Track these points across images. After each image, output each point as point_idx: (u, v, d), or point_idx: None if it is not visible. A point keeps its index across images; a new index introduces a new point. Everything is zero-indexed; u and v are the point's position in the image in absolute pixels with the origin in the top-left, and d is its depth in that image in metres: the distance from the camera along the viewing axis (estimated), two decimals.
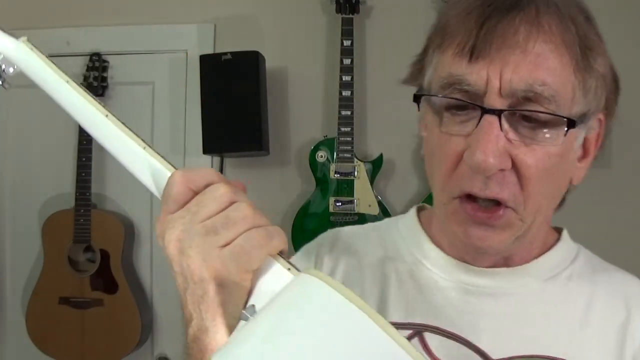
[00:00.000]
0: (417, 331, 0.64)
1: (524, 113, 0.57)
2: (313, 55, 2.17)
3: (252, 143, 2.03)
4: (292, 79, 2.19)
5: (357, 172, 2.00)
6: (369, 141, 2.14)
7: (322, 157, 2.03)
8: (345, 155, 2.00)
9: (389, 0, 2.14)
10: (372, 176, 2.03)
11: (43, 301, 2.11)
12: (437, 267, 0.68)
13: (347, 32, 2.01)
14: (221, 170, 2.18)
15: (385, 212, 2.00)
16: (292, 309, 0.38)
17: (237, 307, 0.48)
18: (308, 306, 0.37)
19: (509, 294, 0.66)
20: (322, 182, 2.03)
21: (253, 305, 0.45)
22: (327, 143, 2.05)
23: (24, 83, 2.42)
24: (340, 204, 1.99)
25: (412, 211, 0.76)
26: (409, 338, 0.63)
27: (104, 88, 2.19)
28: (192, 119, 2.15)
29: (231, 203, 0.49)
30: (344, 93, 1.99)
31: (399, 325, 0.64)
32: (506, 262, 0.67)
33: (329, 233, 0.78)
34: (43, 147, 2.28)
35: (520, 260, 0.68)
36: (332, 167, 2.01)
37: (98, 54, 2.18)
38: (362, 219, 1.99)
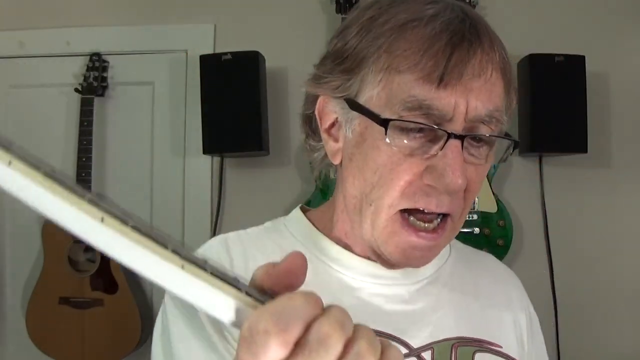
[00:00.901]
0: None
1: (481, 136, 0.62)
2: (313, 55, 2.15)
3: (252, 143, 2.03)
4: (292, 79, 2.19)
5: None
6: None
7: None
8: None
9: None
10: None
11: (43, 301, 2.10)
12: (346, 268, 0.70)
13: None
14: (221, 170, 2.19)
15: None
16: None
17: None
18: None
19: (418, 285, 0.71)
20: (322, 182, 2.03)
21: None
22: None
23: (24, 83, 2.43)
24: None
25: (299, 213, 0.77)
26: None
27: (104, 88, 2.19)
28: (192, 119, 2.15)
29: (347, 343, 0.37)
30: None
31: None
32: None
33: (215, 241, 0.73)
34: (43, 147, 2.28)
35: None
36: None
37: (98, 54, 2.18)
38: None
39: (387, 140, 0.61)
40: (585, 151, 1.97)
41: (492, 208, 1.98)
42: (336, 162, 0.70)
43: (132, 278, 2.18)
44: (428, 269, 0.73)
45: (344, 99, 0.65)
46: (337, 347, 0.36)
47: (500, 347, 0.71)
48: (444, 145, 0.60)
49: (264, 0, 2.22)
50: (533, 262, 2.08)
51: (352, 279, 0.70)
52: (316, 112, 0.70)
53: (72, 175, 2.15)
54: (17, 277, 2.27)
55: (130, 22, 2.25)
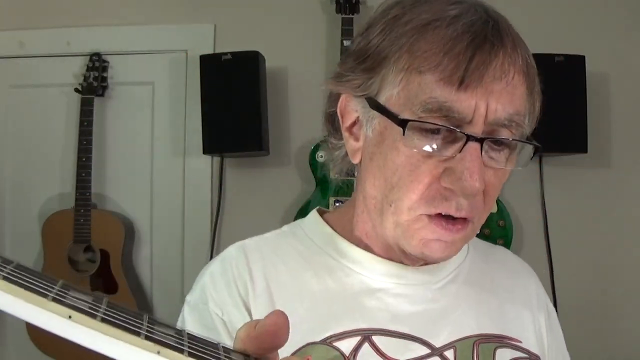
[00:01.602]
0: (365, 336, 0.66)
1: (501, 140, 0.61)
2: (313, 55, 2.17)
3: (252, 143, 2.03)
4: (292, 79, 2.19)
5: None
6: None
7: (322, 157, 2.03)
8: None
9: None
10: None
11: None
12: (367, 270, 0.70)
13: (347, 32, 2.01)
14: (221, 170, 2.19)
15: None
16: None
17: None
18: None
19: (439, 284, 0.72)
20: (322, 182, 2.03)
21: None
22: None
23: (24, 83, 2.43)
24: (340, 204, 2.00)
25: (316, 216, 0.76)
26: (360, 344, 0.65)
27: (104, 88, 2.19)
28: (192, 119, 2.15)
29: None
30: None
31: (346, 334, 0.66)
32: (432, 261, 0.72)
33: (233, 249, 0.73)
34: (43, 147, 2.28)
35: None
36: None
37: (98, 54, 2.18)
38: None
39: (405, 140, 0.60)
40: (585, 151, 1.97)
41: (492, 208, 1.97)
42: (356, 161, 0.70)
43: (132, 279, 2.18)
44: (448, 268, 0.73)
45: (365, 98, 0.65)
46: None
47: (520, 342, 0.72)
48: (462, 148, 0.59)
49: (264, 0, 2.22)
50: (533, 262, 2.05)
51: (374, 280, 0.70)
52: (338, 111, 0.69)
53: (72, 175, 2.16)
54: None
55: (130, 22, 2.26)
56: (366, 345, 0.65)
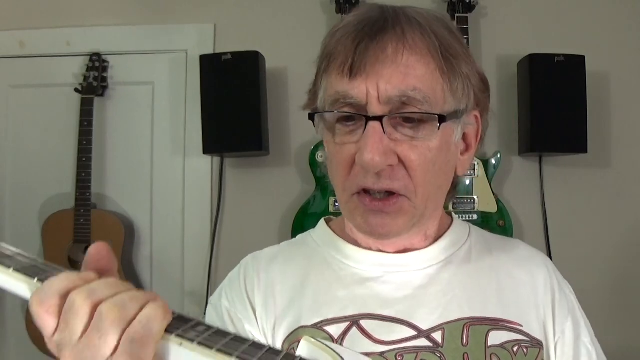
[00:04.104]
0: (353, 321, 0.73)
1: (403, 115, 0.67)
2: (313, 55, 2.15)
3: (252, 143, 2.03)
4: (292, 79, 2.19)
5: None
6: None
7: (322, 157, 2.03)
8: None
9: (389, 0, 2.14)
10: None
11: None
12: (358, 263, 0.78)
13: None
14: (221, 170, 2.19)
15: None
16: None
17: None
18: None
19: (427, 271, 0.76)
20: (322, 182, 2.03)
21: None
22: None
23: (24, 83, 2.43)
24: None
25: (322, 223, 0.87)
26: (348, 328, 0.72)
27: (104, 88, 2.19)
28: (192, 119, 2.15)
29: (94, 308, 0.46)
30: None
31: (336, 320, 0.73)
32: (412, 248, 0.78)
33: (248, 257, 0.84)
34: (43, 147, 2.28)
35: (422, 246, 0.78)
36: None
37: (98, 54, 2.18)
38: None
39: (317, 131, 0.70)
40: (585, 151, 1.97)
41: (492, 208, 1.98)
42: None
43: (132, 278, 2.18)
44: (439, 255, 0.78)
45: None
46: (85, 310, 0.45)
47: (521, 325, 0.74)
48: (364, 129, 0.66)
49: (264, 0, 2.22)
50: None
51: (364, 271, 0.77)
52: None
53: (72, 175, 2.16)
54: None
55: (130, 22, 2.26)
56: (354, 329, 0.72)
